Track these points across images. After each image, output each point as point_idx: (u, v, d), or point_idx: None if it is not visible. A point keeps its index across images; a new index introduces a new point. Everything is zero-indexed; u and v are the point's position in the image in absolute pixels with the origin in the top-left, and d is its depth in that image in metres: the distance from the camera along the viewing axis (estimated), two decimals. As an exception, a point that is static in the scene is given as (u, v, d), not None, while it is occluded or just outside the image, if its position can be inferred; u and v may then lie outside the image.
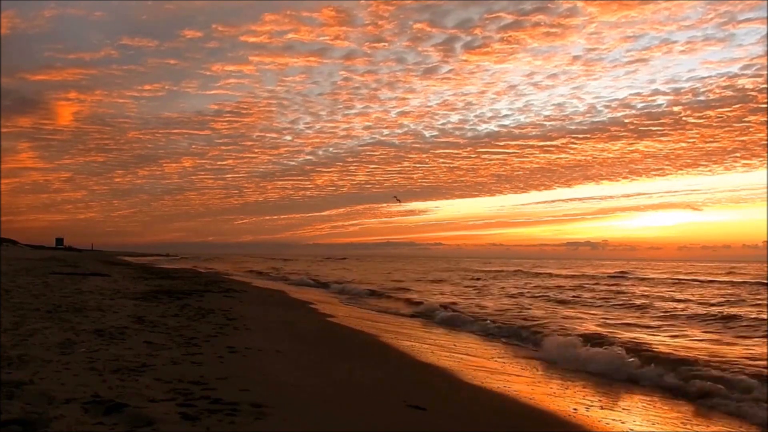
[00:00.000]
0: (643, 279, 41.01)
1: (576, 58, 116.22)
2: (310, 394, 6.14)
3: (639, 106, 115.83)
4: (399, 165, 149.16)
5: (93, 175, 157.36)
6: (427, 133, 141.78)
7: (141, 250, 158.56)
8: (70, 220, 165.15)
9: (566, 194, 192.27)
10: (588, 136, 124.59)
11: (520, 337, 13.66)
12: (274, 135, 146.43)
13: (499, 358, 11.09)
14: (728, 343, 12.57)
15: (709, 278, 41.04)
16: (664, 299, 23.98)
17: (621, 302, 22.49)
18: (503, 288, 31.20)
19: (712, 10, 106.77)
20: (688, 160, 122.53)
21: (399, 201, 78.22)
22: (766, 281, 34.90)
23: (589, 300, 23.77)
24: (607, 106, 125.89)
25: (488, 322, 15.63)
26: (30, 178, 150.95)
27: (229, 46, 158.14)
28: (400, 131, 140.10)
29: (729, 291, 28.87)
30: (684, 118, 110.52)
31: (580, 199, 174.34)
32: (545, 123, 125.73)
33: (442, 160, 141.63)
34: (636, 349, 11.06)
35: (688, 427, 6.75)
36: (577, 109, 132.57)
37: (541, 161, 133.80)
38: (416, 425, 5.50)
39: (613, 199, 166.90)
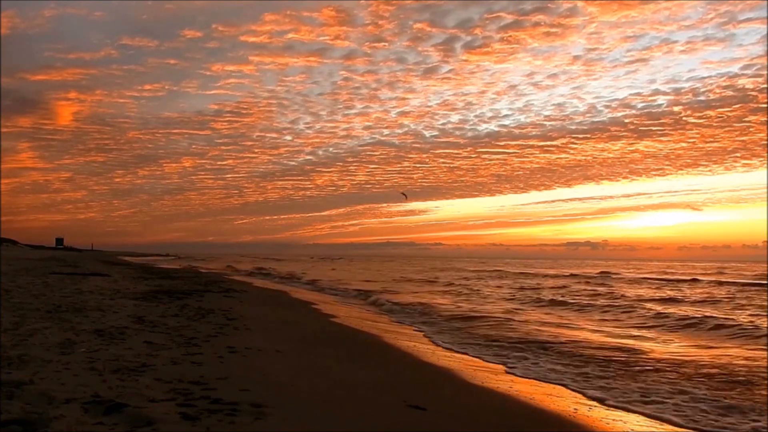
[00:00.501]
0: (619, 279, 42.37)
1: (576, 58, 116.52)
2: (310, 394, 6.14)
3: (639, 106, 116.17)
4: (399, 165, 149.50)
5: (93, 175, 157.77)
6: (427, 133, 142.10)
7: (141, 250, 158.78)
8: (70, 220, 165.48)
9: (566, 194, 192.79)
10: (588, 136, 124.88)
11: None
12: (274, 135, 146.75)
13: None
14: (596, 330, 14.47)
15: (690, 278, 42.03)
16: (600, 296, 25.52)
17: (545, 298, 24.37)
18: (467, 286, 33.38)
19: (713, 10, 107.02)
20: (688, 160, 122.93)
21: (407, 198, 79.02)
22: (748, 281, 35.45)
23: (528, 297, 25.27)
24: (607, 106, 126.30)
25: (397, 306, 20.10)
26: (30, 178, 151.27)
27: (229, 46, 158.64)
28: (400, 131, 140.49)
29: (683, 291, 29.66)
30: (684, 118, 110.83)
31: (580, 199, 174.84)
32: (545, 123, 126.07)
33: (442, 160, 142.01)
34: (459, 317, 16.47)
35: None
36: (577, 109, 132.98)
37: (541, 161, 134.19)
38: (416, 425, 5.50)
39: (613, 199, 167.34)
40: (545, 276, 46.46)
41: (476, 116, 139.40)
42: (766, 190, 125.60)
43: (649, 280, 39.34)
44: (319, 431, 4.81)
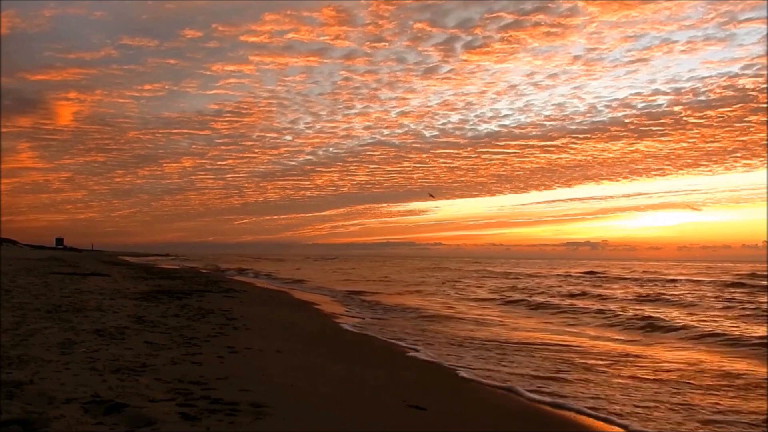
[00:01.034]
0: (604, 278, 42.62)
1: (576, 57, 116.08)
2: (310, 394, 6.15)
3: (639, 106, 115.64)
4: (399, 165, 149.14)
5: (93, 175, 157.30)
6: (427, 133, 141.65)
7: (141, 250, 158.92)
8: (70, 220, 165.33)
9: (566, 194, 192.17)
10: (588, 136, 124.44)
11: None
12: (274, 135, 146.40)
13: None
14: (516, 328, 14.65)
15: (671, 277, 42.19)
16: (563, 296, 25.67)
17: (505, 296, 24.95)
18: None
19: (713, 9, 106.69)
20: (689, 160, 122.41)
21: (434, 197, 79.38)
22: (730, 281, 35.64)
23: (488, 295, 25.79)
24: (607, 106, 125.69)
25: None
26: (30, 178, 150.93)
27: (230, 45, 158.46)
28: (400, 131, 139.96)
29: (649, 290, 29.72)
30: (684, 118, 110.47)
31: (580, 199, 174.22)
32: (545, 123, 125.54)
33: (442, 160, 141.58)
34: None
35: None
36: (577, 109, 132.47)
37: (542, 161, 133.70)
38: (416, 425, 5.50)
39: (613, 199, 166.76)
40: (529, 275, 46.68)
41: (476, 116, 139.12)
42: (766, 190, 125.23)
43: (628, 280, 39.12)
44: (319, 431, 4.81)
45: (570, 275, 46.09)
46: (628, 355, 10.69)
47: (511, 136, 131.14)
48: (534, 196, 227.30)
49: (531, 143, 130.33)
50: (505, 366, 9.29)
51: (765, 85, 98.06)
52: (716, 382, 8.42)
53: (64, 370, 5.81)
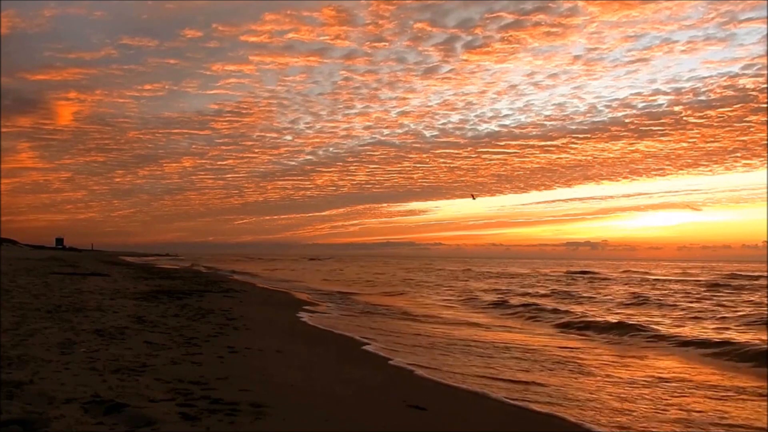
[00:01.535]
0: (591, 276, 43.17)
1: (577, 57, 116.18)
2: (310, 394, 6.15)
3: (640, 105, 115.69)
4: (399, 165, 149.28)
5: (93, 175, 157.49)
6: (427, 133, 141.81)
7: (141, 250, 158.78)
8: (70, 220, 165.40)
9: (566, 194, 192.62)
10: (588, 136, 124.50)
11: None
12: (274, 135, 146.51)
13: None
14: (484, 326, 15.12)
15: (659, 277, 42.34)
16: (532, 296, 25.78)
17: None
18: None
19: (713, 9, 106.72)
20: (689, 160, 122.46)
21: (474, 198, 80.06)
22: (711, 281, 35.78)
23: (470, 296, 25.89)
24: (607, 106, 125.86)
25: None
26: (30, 178, 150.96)
27: (230, 45, 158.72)
28: (400, 131, 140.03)
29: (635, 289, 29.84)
30: (685, 118, 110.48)
31: (580, 199, 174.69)
32: (546, 123, 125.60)
33: (442, 160, 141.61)
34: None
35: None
36: (577, 108, 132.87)
37: (542, 161, 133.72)
38: (416, 425, 5.51)
39: (613, 199, 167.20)
40: (513, 275, 46.99)
41: (476, 116, 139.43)
42: (766, 190, 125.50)
43: (611, 279, 39.23)
44: (319, 431, 4.81)
45: (548, 275, 46.29)
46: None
47: (511, 136, 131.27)
48: (534, 196, 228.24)
49: (531, 143, 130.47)
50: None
51: (765, 85, 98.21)
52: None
53: (64, 370, 5.81)
